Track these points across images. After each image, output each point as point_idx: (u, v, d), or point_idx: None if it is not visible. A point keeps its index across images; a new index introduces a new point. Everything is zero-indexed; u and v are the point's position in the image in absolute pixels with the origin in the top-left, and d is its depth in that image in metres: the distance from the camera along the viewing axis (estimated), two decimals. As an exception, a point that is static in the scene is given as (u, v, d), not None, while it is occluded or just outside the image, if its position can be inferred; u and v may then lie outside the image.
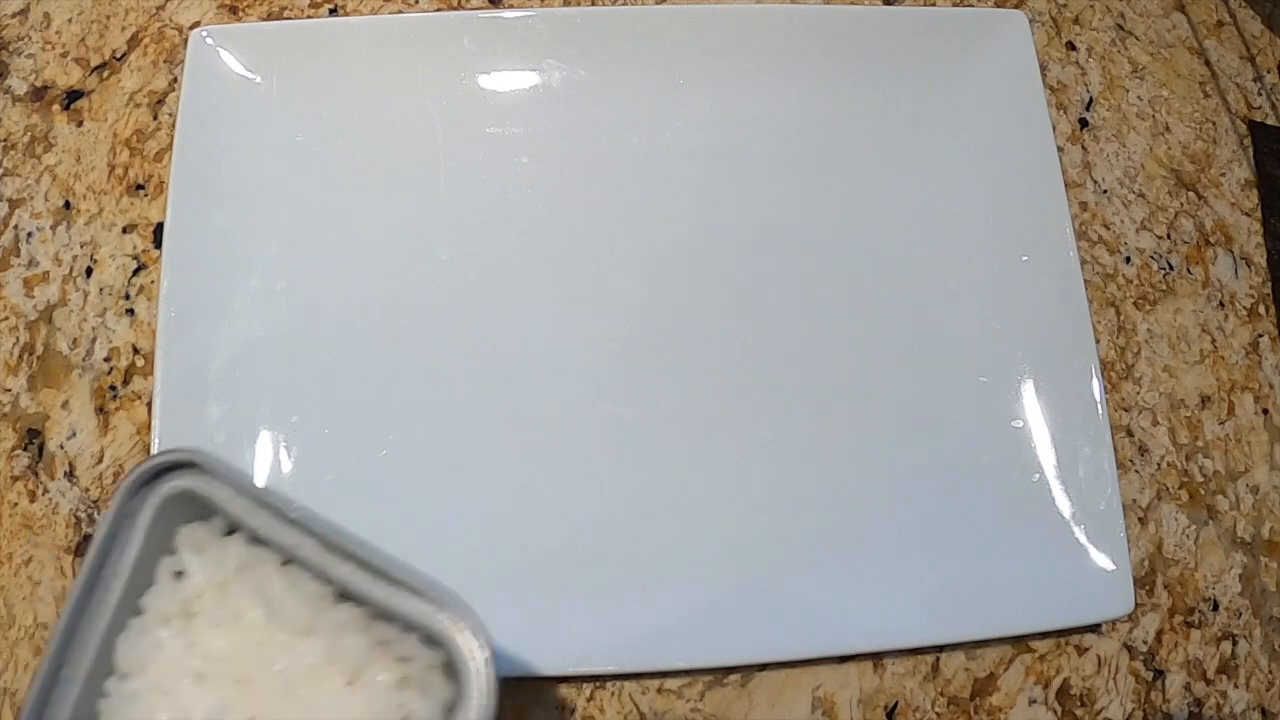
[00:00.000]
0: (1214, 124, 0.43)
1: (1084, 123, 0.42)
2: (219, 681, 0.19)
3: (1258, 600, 0.36)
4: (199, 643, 0.20)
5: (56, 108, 0.39)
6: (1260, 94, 0.44)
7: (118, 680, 0.19)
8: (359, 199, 0.37)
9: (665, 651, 0.32)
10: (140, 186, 0.38)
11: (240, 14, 0.41)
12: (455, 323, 0.36)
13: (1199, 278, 0.40)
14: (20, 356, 0.36)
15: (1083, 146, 0.42)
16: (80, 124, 0.39)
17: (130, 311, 0.37)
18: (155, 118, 0.39)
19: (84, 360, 0.36)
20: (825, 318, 0.37)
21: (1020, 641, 0.35)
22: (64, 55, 0.40)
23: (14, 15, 0.41)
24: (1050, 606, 0.34)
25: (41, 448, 0.35)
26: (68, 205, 0.38)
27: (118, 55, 0.40)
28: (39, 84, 0.40)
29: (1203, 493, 0.38)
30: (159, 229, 0.37)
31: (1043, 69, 0.41)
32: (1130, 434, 0.38)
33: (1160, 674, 0.35)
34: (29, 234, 0.38)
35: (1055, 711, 0.34)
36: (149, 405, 0.35)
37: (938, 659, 0.35)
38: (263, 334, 0.35)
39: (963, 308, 0.37)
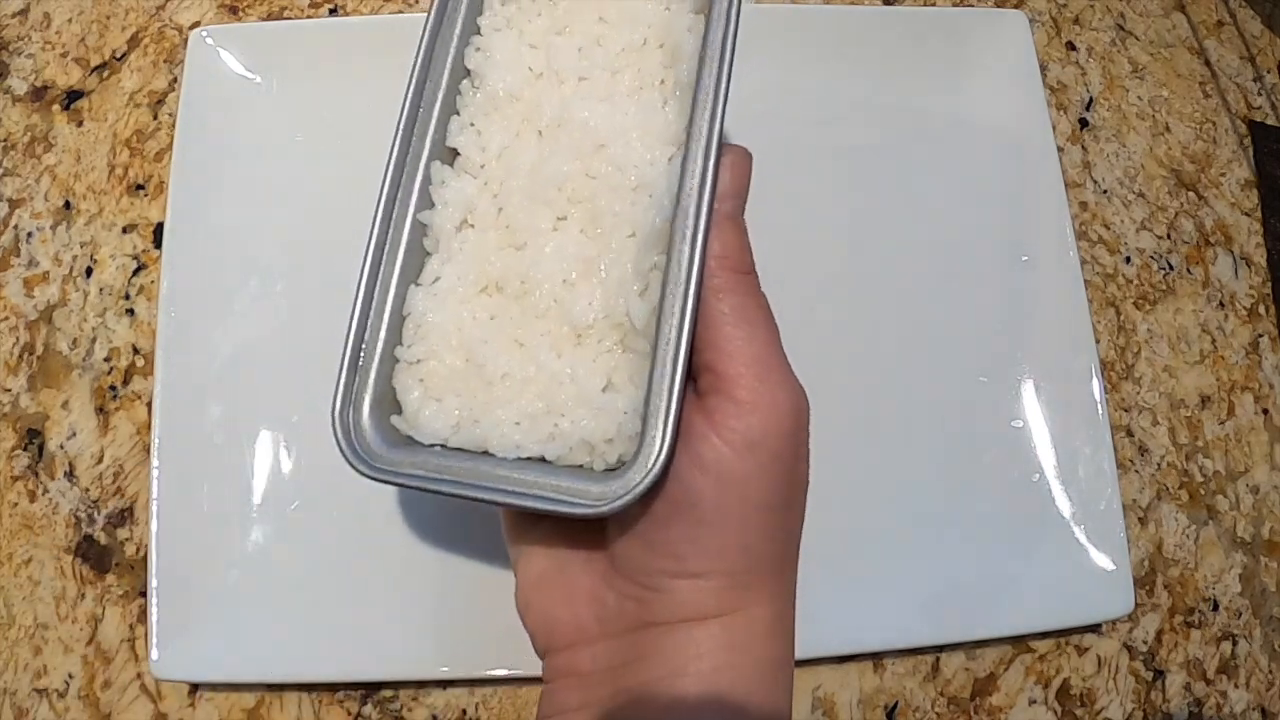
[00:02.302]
0: (1214, 124, 0.43)
1: (1084, 123, 0.42)
2: (544, 39, 0.25)
3: (1258, 600, 0.36)
4: (526, 29, 0.25)
5: (56, 108, 0.39)
6: (1260, 94, 0.44)
7: (470, 82, 0.26)
8: (359, 199, 0.37)
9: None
10: (140, 186, 0.38)
11: (240, 14, 0.41)
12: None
13: (1199, 278, 0.40)
14: (20, 356, 0.36)
15: (1083, 146, 0.42)
16: (80, 124, 0.39)
17: (130, 311, 0.37)
18: (155, 118, 0.39)
19: (84, 360, 0.36)
20: (825, 318, 0.37)
21: (1020, 641, 0.35)
22: (64, 55, 0.40)
23: (14, 15, 0.41)
24: (1050, 606, 0.34)
25: (41, 448, 0.35)
26: (68, 205, 0.38)
27: (118, 55, 0.40)
28: (39, 84, 0.40)
29: (1203, 493, 0.38)
30: (159, 229, 0.37)
31: (1043, 69, 0.41)
32: (1130, 434, 0.38)
33: (1160, 674, 0.35)
34: (29, 234, 0.38)
35: (1055, 711, 0.34)
36: (149, 405, 0.35)
37: (938, 659, 0.35)
38: (263, 334, 0.35)
39: (963, 308, 0.37)
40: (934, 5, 0.43)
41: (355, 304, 0.24)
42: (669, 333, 0.21)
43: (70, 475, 0.35)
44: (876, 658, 0.34)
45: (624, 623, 0.22)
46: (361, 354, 0.24)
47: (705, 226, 0.22)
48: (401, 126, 0.24)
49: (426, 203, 0.25)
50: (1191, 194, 0.42)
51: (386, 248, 0.24)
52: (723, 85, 0.23)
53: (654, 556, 0.22)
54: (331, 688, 0.33)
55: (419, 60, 0.25)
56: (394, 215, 0.24)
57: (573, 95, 0.25)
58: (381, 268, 0.24)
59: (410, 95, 0.25)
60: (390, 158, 0.24)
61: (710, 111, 0.23)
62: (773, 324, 0.22)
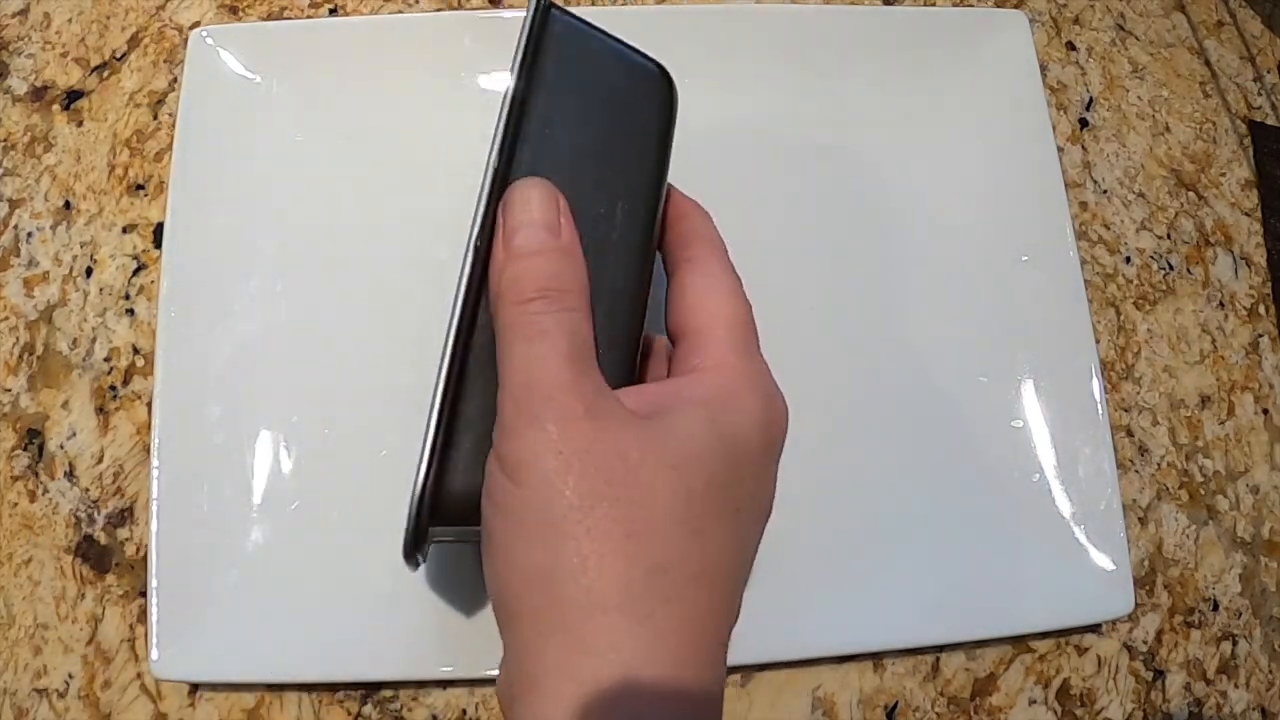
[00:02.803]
0: (1214, 124, 0.43)
1: (1084, 123, 0.42)
2: None
3: (1258, 600, 0.36)
4: None
5: (56, 108, 0.39)
6: (1260, 94, 0.44)
7: None
8: (359, 199, 0.37)
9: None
10: (140, 186, 0.38)
11: (240, 14, 0.41)
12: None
13: (1199, 278, 0.40)
14: (20, 356, 0.36)
15: (1083, 146, 0.42)
16: (80, 124, 0.39)
17: (130, 311, 0.37)
18: (155, 118, 0.39)
19: (84, 360, 0.36)
20: (824, 317, 0.37)
21: (1020, 641, 0.35)
22: (64, 55, 0.40)
23: (14, 15, 0.41)
24: (1050, 606, 0.34)
25: (41, 448, 0.35)
26: (68, 205, 0.38)
27: (118, 55, 0.40)
28: (39, 84, 0.40)
29: (1203, 493, 0.38)
30: (159, 229, 0.37)
31: (1043, 69, 0.41)
32: (1130, 434, 0.38)
33: (1160, 674, 0.35)
34: (29, 234, 0.38)
35: (1055, 711, 0.34)
36: (149, 405, 0.35)
37: (938, 659, 0.35)
38: (263, 334, 0.35)
39: (963, 308, 0.37)
40: (934, 5, 0.43)
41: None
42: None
43: (70, 475, 0.35)
44: (876, 658, 0.34)
45: (506, 695, 0.21)
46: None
47: (470, 267, 0.23)
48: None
49: None
50: (1191, 194, 0.42)
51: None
52: (499, 132, 0.24)
53: (495, 609, 0.22)
54: (331, 688, 0.33)
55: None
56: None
57: None
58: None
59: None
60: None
61: (486, 160, 0.24)
62: (559, 343, 0.21)
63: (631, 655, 0.19)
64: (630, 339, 0.25)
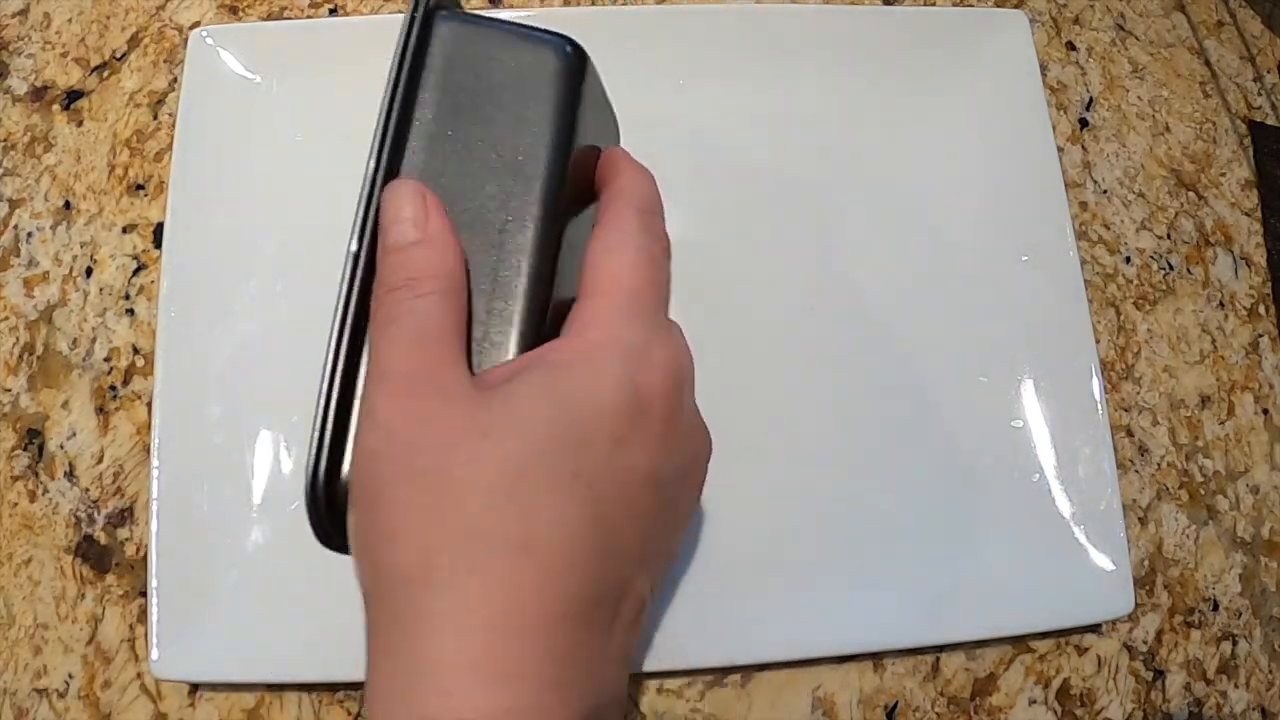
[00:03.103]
0: (1214, 124, 0.43)
1: (1084, 123, 0.42)
2: None
3: (1258, 600, 0.36)
4: None
5: (56, 108, 0.39)
6: (1260, 94, 0.44)
7: None
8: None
9: (665, 652, 0.32)
10: (140, 186, 0.38)
11: (240, 14, 0.41)
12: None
13: (1199, 278, 0.40)
14: (20, 356, 0.36)
15: (1083, 146, 0.42)
16: (80, 124, 0.39)
17: (130, 311, 0.37)
18: (155, 118, 0.39)
19: (84, 360, 0.36)
20: (824, 317, 0.37)
21: (1020, 641, 0.35)
22: (64, 55, 0.40)
23: (14, 15, 0.41)
24: (1050, 606, 0.34)
25: (41, 448, 0.35)
26: (68, 205, 0.38)
27: (118, 55, 0.40)
28: (39, 84, 0.40)
29: (1203, 493, 0.38)
30: (159, 229, 0.37)
31: (1043, 69, 0.41)
32: (1130, 434, 0.38)
33: (1160, 674, 0.35)
34: (29, 234, 0.38)
35: (1055, 711, 0.34)
36: (149, 405, 0.35)
37: (938, 659, 0.35)
38: (263, 334, 0.35)
39: (963, 308, 0.37)
40: (934, 5, 0.43)
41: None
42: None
43: (70, 475, 0.35)
44: (876, 658, 0.34)
45: None
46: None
47: (350, 271, 0.24)
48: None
49: None
50: (1191, 194, 0.42)
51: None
52: (374, 138, 0.25)
53: None
54: (331, 688, 0.33)
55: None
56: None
57: None
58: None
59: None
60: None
61: (365, 169, 0.25)
62: (406, 328, 0.22)
63: (436, 628, 0.19)
64: (526, 311, 0.24)
